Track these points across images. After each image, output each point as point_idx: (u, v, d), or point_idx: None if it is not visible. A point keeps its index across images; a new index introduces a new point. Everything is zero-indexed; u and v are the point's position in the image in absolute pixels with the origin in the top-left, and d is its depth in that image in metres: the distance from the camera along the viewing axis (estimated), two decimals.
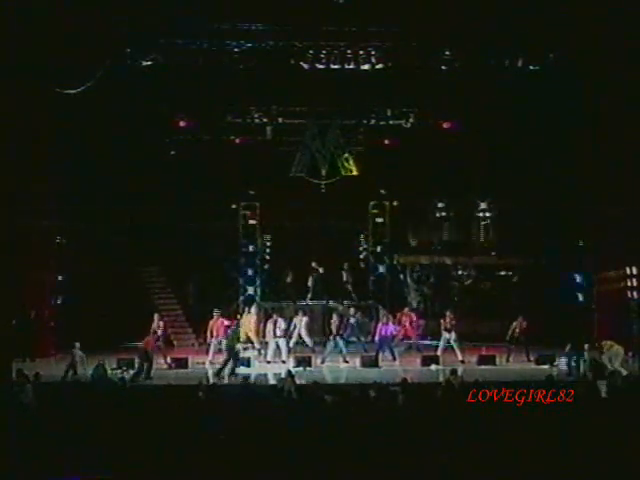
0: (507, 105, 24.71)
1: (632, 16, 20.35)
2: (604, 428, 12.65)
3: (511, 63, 23.15)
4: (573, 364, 20.12)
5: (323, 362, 22.24)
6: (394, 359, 22.40)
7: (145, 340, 20.79)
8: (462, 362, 21.92)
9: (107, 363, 19.43)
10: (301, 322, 23.47)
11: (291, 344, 23.34)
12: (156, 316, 22.48)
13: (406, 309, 24.76)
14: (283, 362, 21.95)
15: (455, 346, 22.39)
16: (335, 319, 22.80)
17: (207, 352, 22.40)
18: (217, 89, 24.34)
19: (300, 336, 23.55)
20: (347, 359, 22.37)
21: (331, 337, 22.59)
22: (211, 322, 22.42)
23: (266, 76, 23.64)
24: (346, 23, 22.33)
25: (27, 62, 20.71)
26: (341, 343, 22.49)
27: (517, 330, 22.59)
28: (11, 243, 21.17)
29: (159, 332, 21.78)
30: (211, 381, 19.46)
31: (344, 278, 26.70)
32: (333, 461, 11.47)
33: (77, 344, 20.31)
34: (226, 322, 22.39)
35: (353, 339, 24.24)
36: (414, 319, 24.28)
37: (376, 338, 23.03)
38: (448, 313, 22.92)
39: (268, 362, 22.25)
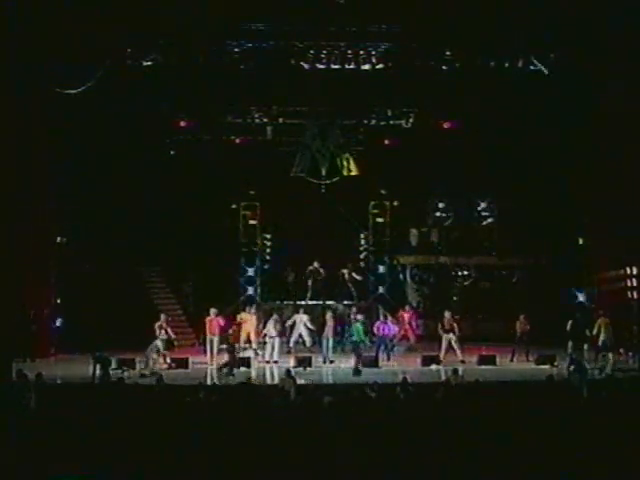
0: (507, 105, 24.68)
1: (632, 16, 20.35)
2: (604, 428, 12.65)
3: (511, 63, 23.16)
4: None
5: (325, 362, 22.22)
6: (388, 359, 22.39)
7: (231, 334, 21.50)
8: (462, 362, 21.90)
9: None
10: (301, 322, 23.46)
11: (291, 344, 23.35)
12: (163, 316, 22.41)
13: (407, 307, 24.75)
14: (275, 362, 21.96)
15: (456, 346, 22.37)
16: (329, 319, 22.70)
17: (205, 352, 22.39)
18: (217, 89, 24.30)
19: (300, 335, 23.55)
20: (332, 359, 22.28)
21: (322, 337, 22.55)
22: (207, 319, 22.37)
23: (266, 76, 23.63)
24: (346, 23, 22.34)
25: (27, 62, 20.71)
26: (330, 343, 22.40)
27: (519, 330, 22.57)
28: (11, 243, 21.16)
29: (163, 332, 21.78)
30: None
31: (345, 278, 26.67)
32: (333, 461, 11.46)
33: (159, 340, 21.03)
34: (221, 322, 22.38)
35: (355, 339, 24.19)
36: (414, 318, 24.27)
37: (375, 338, 23.03)
38: (446, 313, 22.89)
39: (267, 362, 22.25)
